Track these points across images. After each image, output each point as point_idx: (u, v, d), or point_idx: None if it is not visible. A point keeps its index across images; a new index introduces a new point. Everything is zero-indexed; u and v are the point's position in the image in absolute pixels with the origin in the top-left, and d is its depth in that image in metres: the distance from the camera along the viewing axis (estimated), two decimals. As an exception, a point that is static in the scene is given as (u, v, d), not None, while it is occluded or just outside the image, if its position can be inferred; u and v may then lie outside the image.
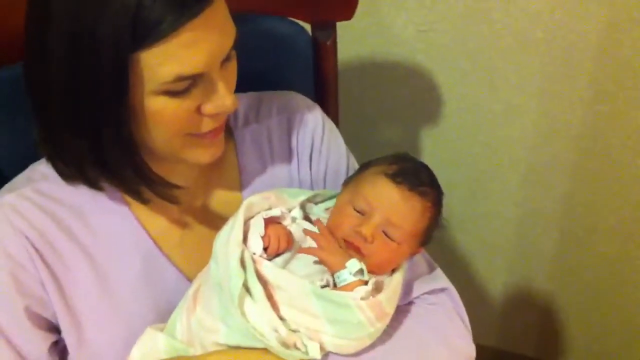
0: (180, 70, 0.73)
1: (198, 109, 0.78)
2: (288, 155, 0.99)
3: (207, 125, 0.81)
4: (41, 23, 0.73)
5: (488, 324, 1.95)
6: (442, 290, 0.93)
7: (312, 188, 0.99)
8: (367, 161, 0.92)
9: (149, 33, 0.70)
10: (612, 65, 1.42)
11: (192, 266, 0.91)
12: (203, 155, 0.84)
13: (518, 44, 1.49)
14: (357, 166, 1.03)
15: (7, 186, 0.89)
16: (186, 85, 0.75)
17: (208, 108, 0.78)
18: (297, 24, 1.13)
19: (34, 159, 0.92)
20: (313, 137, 0.99)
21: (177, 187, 0.85)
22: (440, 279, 0.94)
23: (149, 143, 0.80)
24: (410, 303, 0.90)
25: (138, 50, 0.71)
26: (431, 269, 0.96)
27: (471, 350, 0.90)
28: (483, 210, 1.74)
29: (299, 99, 1.02)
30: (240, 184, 0.96)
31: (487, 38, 1.52)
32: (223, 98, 0.78)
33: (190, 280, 0.90)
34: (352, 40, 1.58)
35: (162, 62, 0.72)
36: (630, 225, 1.60)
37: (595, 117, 1.50)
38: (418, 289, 0.90)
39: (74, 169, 0.83)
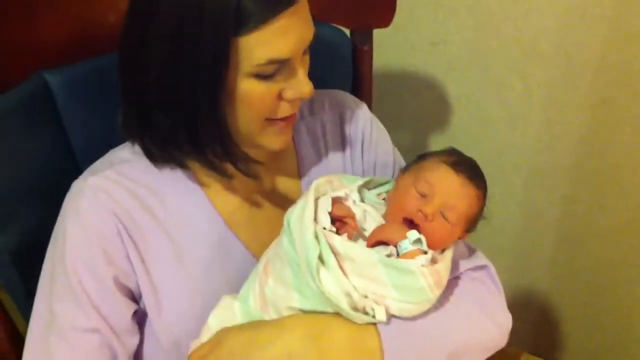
0: (272, 54, 0.82)
1: (279, 95, 0.88)
2: (341, 146, 1.09)
3: (284, 110, 0.90)
4: (145, 10, 0.82)
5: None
6: (482, 267, 1.02)
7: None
8: (422, 153, 1.02)
9: (249, 20, 0.79)
10: (611, 74, 1.51)
11: (257, 244, 0.99)
12: (276, 141, 0.93)
13: (524, 56, 1.59)
14: (402, 158, 1.13)
15: (89, 169, 0.96)
16: (273, 70, 0.84)
17: (289, 93, 0.88)
18: (341, 30, 1.21)
19: (107, 148, 1.00)
20: (363, 131, 1.09)
21: (259, 162, 0.94)
22: (481, 258, 1.03)
23: (232, 124, 0.88)
24: (456, 278, 0.98)
25: (238, 35, 0.80)
26: (471, 251, 1.05)
27: (510, 323, 0.98)
28: (486, 211, 1.83)
29: (349, 97, 1.13)
30: (299, 171, 1.06)
31: (496, 50, 1.61)
32: (302, 84, 0.88)
33: (255, 256, 0.98)
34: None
35: (257, 46, 0.81)
36: (626, 228, 1.68)
37: (595, 123, 1.59)
38: (462, 265, 0.99)
39: (161, 148, 0.92)
